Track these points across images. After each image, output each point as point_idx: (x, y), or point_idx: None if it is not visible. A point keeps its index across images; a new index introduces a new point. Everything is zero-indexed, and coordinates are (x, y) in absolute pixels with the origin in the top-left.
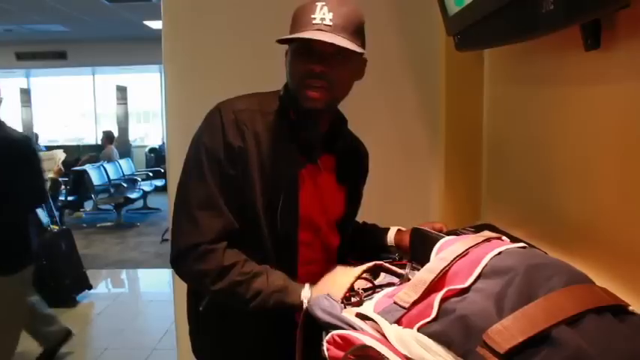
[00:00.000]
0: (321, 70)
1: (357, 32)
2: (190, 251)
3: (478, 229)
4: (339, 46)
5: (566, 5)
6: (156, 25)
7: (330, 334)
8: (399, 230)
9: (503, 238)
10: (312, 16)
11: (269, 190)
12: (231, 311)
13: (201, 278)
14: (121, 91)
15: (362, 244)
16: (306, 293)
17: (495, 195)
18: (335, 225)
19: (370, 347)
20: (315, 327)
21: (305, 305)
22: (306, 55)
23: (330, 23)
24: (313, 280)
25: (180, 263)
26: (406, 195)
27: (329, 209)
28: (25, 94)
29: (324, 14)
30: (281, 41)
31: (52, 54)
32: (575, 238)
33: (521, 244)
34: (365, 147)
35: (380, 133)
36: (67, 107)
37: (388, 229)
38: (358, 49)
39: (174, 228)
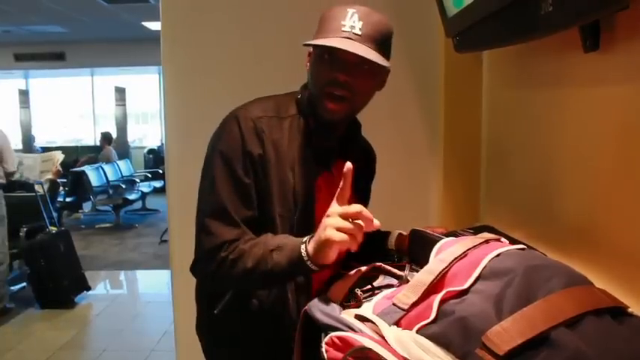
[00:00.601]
0: (345, 80)
1: (385, 43)
2: (205, 257)
3: (477, 230)
4: (365, 58)
5: (566, 7)
6: (154, 26)
7: (328, 336)
8: (400, 234)
9: (502, 239)
10: (342, 22)
11: (286, 199)
12: (247, 315)
13: (210, 271)
14: (120, 92)
15: (362, 247)
16: (303, 246)
17: (494, 196)
18: None
19: (369, 349)
20: (314, 328)
21: (304, 254)
22: (331, 62)
23: (360, 32)
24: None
25: (196, 269)
26: (405, 196)
27: None
28: (24, 95)
29: (354, 22)
30: (308, 45)
31: (50, 55)
32: (574, 240)
33: (520, 246)
34: (374, 150)
35: (379, 134)
36: (65, 108)
37: (389, 232)
38: (385, 63)
39: (195, 238)
